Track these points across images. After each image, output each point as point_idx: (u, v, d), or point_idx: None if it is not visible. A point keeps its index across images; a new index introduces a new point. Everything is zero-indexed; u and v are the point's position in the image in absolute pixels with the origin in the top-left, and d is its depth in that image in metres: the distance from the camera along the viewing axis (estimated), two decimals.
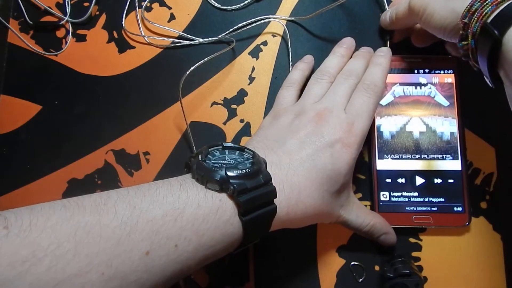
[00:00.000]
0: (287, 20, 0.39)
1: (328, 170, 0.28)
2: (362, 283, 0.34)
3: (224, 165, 0.25)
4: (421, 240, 0.35)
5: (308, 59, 0.37)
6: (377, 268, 0.35)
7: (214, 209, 0.23)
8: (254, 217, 0.24)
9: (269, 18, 0.39)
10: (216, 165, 0.25)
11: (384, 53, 0.34)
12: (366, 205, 0.35)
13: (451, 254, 0.34)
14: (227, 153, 0.27)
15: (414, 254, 0.35)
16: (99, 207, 0.21)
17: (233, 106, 0.38)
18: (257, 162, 0.26)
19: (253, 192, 0.24)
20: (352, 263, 0.35)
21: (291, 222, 0.27)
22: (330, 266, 0.35)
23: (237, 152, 0.27)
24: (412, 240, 0.35)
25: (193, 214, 0.22)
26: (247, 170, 0.24)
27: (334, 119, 0.29)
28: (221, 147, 0.27)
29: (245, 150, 0.27)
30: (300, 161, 0.28)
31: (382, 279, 0.33)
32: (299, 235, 0.35)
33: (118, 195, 0.22)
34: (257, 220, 0.24)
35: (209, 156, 0.26)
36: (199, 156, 0.26)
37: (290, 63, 0.38)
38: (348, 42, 0.36)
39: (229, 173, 0.24)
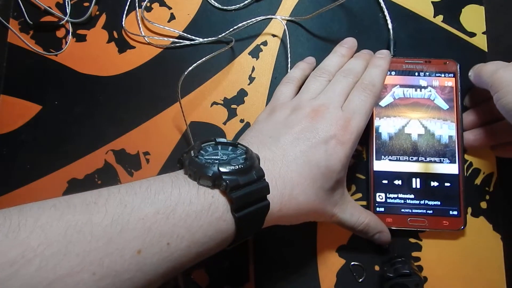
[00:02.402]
0: (287, 20, 0.39)
1: (321, 166, 0.28)
2: (362, 283, 0.34)
3: (217, 161, 0.25)
4: (421, 240, 0.35)
5: (310, 60, 0.37)
6: (377, 268, 0.35)
7: (206, 206, 0.23)
8: (247, 213, 0.24)
9: (269, 18, 0.39)
10: (209, 161, 0.25)
11: (384, 56, 0.34)
12: (363, 205, 0.35)
13: (451, 254, 0.34)
14: (220, 148, 0.27)
15: (414, 254, 0.35)
16: (89, 206, 0.21)
17: (233, 106, 0.38)
18: (250, 158, 0.25)
19: (246, 188, 0.24)
20: (352, 263, 0.35)
21: (284, 218, 0.27)
22: (330, 266, 0.35)
23: (230, 147, 0.27)
24: (412, 240, 0.35)
25: (185, 211, 0.22)
26: (240, 166, 0.24)
27: (330, 116, 0.29)
28: (214, 142, 0.27)
29: (238, 145, 0.27)
30: (294, 157, 0.27)
31: (382, 279, 0.33)
32: (299, 235, 0.35)
33: (109, 194, 0.22)
34: (250, 216, 0.24)
35: (201, 152, 0.26)
36: (192, 152, 0.25)
37: (290, 63, 0.38)
38: (350, 42, 0.36)
39: (222, 169, 0.23)
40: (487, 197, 0.35)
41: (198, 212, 0.23)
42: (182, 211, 0.22)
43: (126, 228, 0.21)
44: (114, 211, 0.21)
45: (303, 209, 0.27)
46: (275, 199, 0.25)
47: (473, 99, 0.36)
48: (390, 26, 0.38)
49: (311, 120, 0.29)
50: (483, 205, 0.35)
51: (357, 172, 0.36)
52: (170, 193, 0.23)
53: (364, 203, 0.35)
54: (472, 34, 0.38)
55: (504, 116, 0.30)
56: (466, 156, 0.36)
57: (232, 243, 0.25)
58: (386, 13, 0.38)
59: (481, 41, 0.38)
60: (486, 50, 0.38)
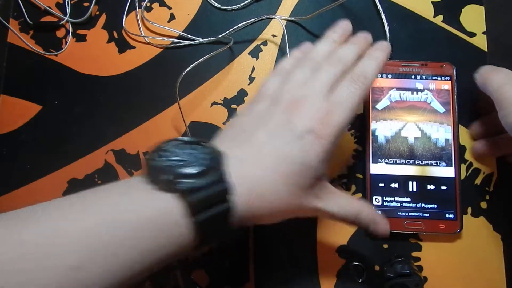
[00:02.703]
0: (287, 20, 0.39)
1: (297, 163, 0.25)
2: (362, 283, 0.34)
3: (175, 163, 0.23)
4: (421, 240, 0.35)
5: (306, 48, 0.33)
6: (377, 268, 0.35)
7: (160, 211, 0.22)
8: (207, 217, 0.22)
9: (269, 17, 0.39)
10: (167, 163, 0.23)
11: (383, 48, 0.30)
12: None
13: (451, 254, 0.34)
14: (182, 148, 0.25)
15: (414, 254, 0.35)
16: (21, 221, 0.19)
17: (233, 106, 0.38)
18: (213, 158, 0.24)
19: (204, 191, 0.22)
20: (352, 263, 0.35)
21: (258, 218, 0.26)
22: (330, 266, 0.35)
23: (193, 146, 0.25)
24: (412, 240, 0.35)
25: (135, 218, 0.21)
26: (199, 168, 0.23)
27: (309, 108, 0.27)
28: (178, 141, 0.25)
29: (202, 144, 0.25)
30: (267, 154, 0.25)
31: (382, 279, 0.33)
32: (299, 235, 0.35)
33: (44, 207, 0.21)
34: (211, 219, 0.23)
35: (160, 153, 0.24)
36: (151, 153, 0.24)
37: None
38: (343, 27, 0.32)
39: (180, 171, 0.22)
40: (487, 197, 0.35)
41: (149, 219, 0.21)
42: (132, 218, 0.21)
43: (61, 242, 0.19)
44: (49, 225, 0.19)
45: (277, 208, 0.26)
46: (241, 198, 0.24)
47: (483, 106, 0.36)
48: (386, 29, 0.38)
49: (289, 113, 0.27)
50: (483, 205, 0.35)
51: (357, 172, 0.36)
52: (118, 200, 0.21)
53: None
54: (472, 34, 0.38)
55: (509, 133, 0.29)
56: (466, 156, 0.36)
57: (197, 247, 0.24)
58: (382, 15, 0.38)
59: (481, 41, 0.38)
60: (486, 50, 0.38)
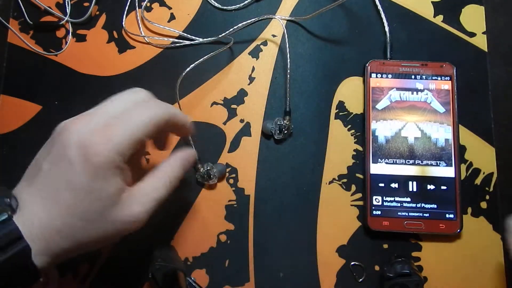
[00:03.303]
0: (287, 20, 0.39)
1: (77, 190, 0.23)
2: (362, 283, 0.34)
3: None
4: (421, 240, 0.35)
5: None
6: (377, 268, 0.35)
7: None
8: (5, 259, 0.21)
9: (269, 17, 0.39)
10: None
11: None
12: (360, 206, 0.35)
13: (451, 254, 0.34)
14: None
15: (414, 254, 0.35)
16: None
17: (233, 106, 0.38)
18: None
19: None
20: (352, 263, 0.35)
21: (61, 255, 0.24)
22: (330, 266, 0.35)
23: None
24: (412, 240, 0.35)
25: None
26: None
27: (88, 122, 0.25)
28: None
29: None
30: (49, 186, 0.24)
31: (382, 279, 0.33)
32: (299, 235, 0.35)
33: None
34: (4, 264, 0.22)
35: None
36: None
37: (290, 63, 0.38)
38: None
39: None
40: (487, 197, 0.35)
41: None
42: None
43: None
44: None
45: (79, 242, 0.24)
46: (38, 237, 0.23)
47: None
48: (387, 29, 0.38)
49: (68, 133, 0.25)
50: (483, 205, 0.35)
51: (357, 172, 0.36)
52: None
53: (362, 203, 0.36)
54: (472, 34, 0.38)
55: None
56: (466, 156, 0.36)
57: None
58: (382, 15, 0.38)
59: (481, 41, 0.38)
60: (486, 50, 0.38)
